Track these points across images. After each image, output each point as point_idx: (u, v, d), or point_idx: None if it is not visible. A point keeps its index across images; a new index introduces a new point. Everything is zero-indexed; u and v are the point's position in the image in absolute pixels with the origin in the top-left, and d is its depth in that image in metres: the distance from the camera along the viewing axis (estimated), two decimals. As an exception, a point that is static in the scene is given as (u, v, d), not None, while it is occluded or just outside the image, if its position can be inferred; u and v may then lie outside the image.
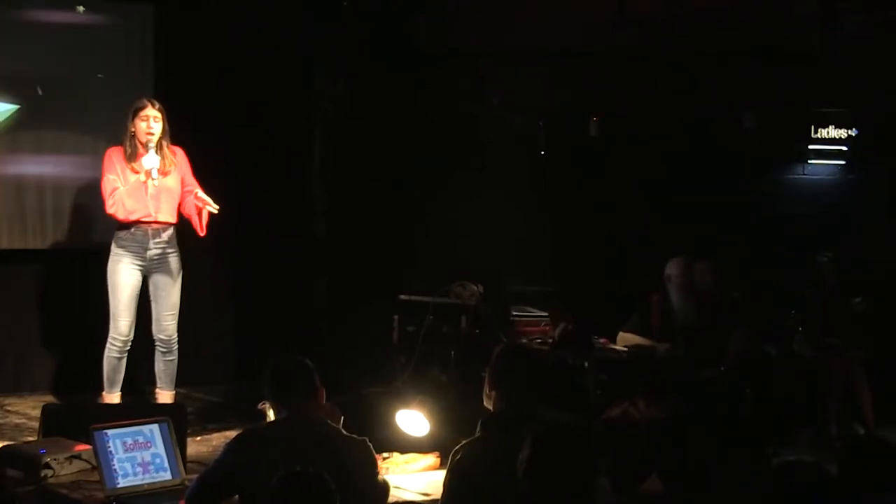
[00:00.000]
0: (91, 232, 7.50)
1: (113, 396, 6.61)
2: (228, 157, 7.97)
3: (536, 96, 8.68)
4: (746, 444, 4.65)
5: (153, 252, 6.54)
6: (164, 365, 6.69)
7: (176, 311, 6.66)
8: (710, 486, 4.36)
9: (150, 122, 6.48)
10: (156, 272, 6.59)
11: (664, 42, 8.35)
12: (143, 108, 6.50)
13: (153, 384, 6.79)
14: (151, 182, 6.47)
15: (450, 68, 8.51)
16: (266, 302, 8.13)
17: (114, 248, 6.57)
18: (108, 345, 6.57)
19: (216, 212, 6.57)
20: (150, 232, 6.52)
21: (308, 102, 8.25)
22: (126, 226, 6.53)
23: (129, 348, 6.59)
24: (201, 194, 6.57)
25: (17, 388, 7.53)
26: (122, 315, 6.53)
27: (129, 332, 6.57)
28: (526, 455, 3.75)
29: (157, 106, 6.53)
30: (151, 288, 6.62)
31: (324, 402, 4.52)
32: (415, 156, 8.33)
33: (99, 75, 7.61)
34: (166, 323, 6.64)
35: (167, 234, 6.58)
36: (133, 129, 6.50)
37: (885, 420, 7.38)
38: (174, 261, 6.62)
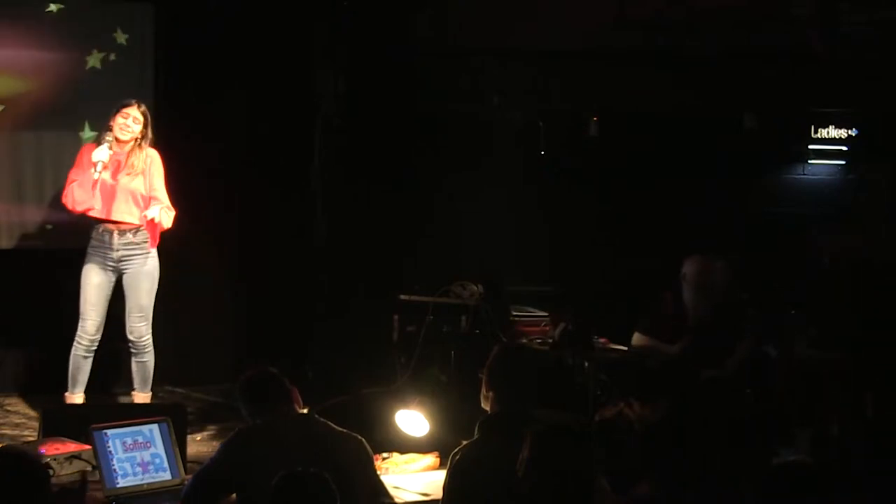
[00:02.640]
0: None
1: (76, 396, 6.60)
2: (228, 156, 7.98)
3: (536, 96, 8.68)
4: (746, 444, 4.65)
5: (119, 253, 6.54)
6: (137, 367, 6.69)
7: (145, 314, 6.63)
8: (708, 487, 4.37)
9: (130, 120, 6.51)
10: (126, 273, 6.59)
11: (664, 42, 8.34)
12: (127, 105, 6.54)
13: (123, 386, 6.80)
14: (94, 172, 6.46)
15: (450, 68, 8.50)
16: (266, 302, 8.13)
17: (88, 248, 6.60)
18: (74, 343, 6.58)
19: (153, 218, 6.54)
20: (114, 232, 6.52)
21: (308, 102, 8.25)
22: (94, 225, 6.56)
23: (95, 348, 6.59)
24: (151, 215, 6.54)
25: (17, 388, 7.53)
26: (90, 314, 6.54)
27: (96, 332, 6.57)
28: (525, 455, 3.75)
29: (143, 109, 6.57)
30: (124, 288, 6.63)
31: (300, 402, 4.55)
32: (415, 155, 8.33)
33: (99, 75, 7.62)
34: (133, 324, 6.62)
35: (134, 235, 6.56)
36: (111, 124, 6.53)
37: (884, 420, 7.37)
38: (143, 262, 6.59)
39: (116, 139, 6.52)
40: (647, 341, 7.05)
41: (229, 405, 7.28)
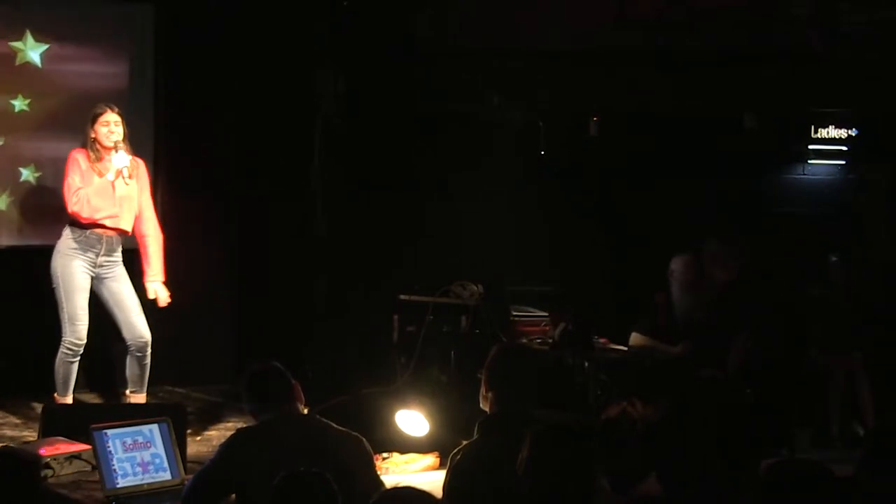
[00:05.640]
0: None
1: (67, 398, 6.58)
2: (228, 156, 7.98)
3: (537, 96, 8.68)
4: (746, 444, 4.65)
5: (102, 259, 6.51)
6: (140, 369, 6.64)
7: (142, 310, 6.62)
8: (708, 487, 4.36)
9: (111, 125, 6.47)
10: (108, 280, 6.56)
11: (664, 42, 8.35)
12: (102, 113, 6.49)
13: (120, 387, 6.77)
14: (123, 181, 6.45)
15: (450, 68, 8.50)
16: (266, 302, 8.13)
17: (63, 249, 6.49)
18: (64, 349, 6.49)
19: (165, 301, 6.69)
20: (104, 240, 6.48)
21: (308, 102, 8.25)
22: (81, 227, 6.47)
23: (82, 352, 6.55)
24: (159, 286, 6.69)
25: (17, 388, 7.52)
26: (81, 318, 6.47)
27: (85, 335, 6.51)
28: (525, 455, 3.75)
29: (117, 111, 6.52)
30: (108, 296, 6.56)
31: (302, 398, 4.55)
32: (415, 155, 8.33)
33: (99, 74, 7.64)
34: (139, 324, 6.58)
35: (119, 246, 6.57)
36: (94, 135, 6.48)
37: (884, 420, 7.36)
38: (122, 267, 6.60)
39: (102, 146, 6.48)
40: (645, 341, 7.06)
41: (229, 405, 7.29)
